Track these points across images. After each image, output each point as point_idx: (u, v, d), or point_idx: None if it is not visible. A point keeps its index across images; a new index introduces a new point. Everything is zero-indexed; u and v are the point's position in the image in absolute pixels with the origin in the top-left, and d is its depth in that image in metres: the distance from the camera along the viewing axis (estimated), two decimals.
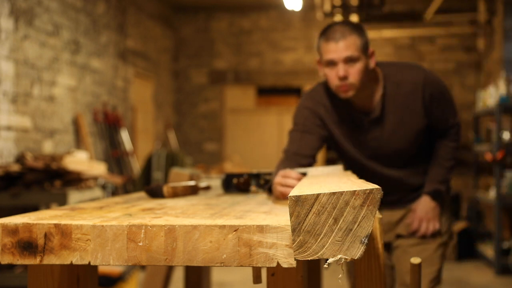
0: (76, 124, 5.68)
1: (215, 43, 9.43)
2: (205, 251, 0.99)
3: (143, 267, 4.46)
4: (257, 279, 1.16)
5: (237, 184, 1.83)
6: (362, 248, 0.89)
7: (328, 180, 1.25)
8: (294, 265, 0.98)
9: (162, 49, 8.85)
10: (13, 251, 1.02)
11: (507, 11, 6.60)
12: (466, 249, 5.89)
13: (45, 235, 1.01)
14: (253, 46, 9.39)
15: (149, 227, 1.00)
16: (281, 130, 9.21)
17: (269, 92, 9.61)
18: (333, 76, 1.94)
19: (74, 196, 3.48)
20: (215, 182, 2.26)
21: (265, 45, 9.38)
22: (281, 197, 1.58)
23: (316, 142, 2.05)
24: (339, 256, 0.89)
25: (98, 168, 4.13)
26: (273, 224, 0.98)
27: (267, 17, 9.36)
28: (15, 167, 3.49)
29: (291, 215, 0.90)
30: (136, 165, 6.86)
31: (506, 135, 5.47)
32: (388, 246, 2.20)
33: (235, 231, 0.98)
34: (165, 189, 1.60)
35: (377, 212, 0.93)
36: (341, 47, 1.89)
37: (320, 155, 8.92)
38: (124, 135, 6.75)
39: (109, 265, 1.02)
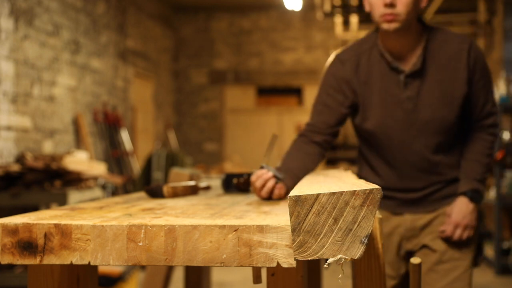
0: (76, 124, 5.68)
1: (215, 43, 9.43)
2: (205, 251, 0.99)
3: (143, 267, 4.47)
4: (257, 279, 1.16)
5: (237, 184, 1.82)
6: (362, 248, 0.89)
7: (328, 180, 1.25)
8: (294, 265, 0.97)
9: (162, 49, 8.85)
10: (13, 251, 1.02)
11: (507, 11, 6.61)
12: None
13: (45, 235, 1.01)
14: (253, 46, 9.39)
15: (149, 227, 1.00)
16: (281, 130, 9.22)
17: (269, 92, 9.61)
18: (378, 2, 1.74)
19: (74, 196, 3.48)
20: (215, 182, 2.26)
21: (265, 45, 9.38)
22: (258, 194, 1.54)
23: (335, 118, 1.87)
24: (339, 256, 0.89)
25: (98, 168, 4.13)
26: (273, 224, 0.98)
27: (267, 17, 9.36)
28: (15, 167, 3.49)
29: (291, 215, 0.90)
30: (136, 165, 6.86)
31: (506, 135, 5.47)
32: (410, 255, 1.90)
33: (235, 231, 0.98)
34: (165, 189, 1.60)
35: (377, 212, 0.93)
36: None
37: None
38: (124, 135, 6.75)
39: (109, 265, 1.02)
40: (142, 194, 1.76)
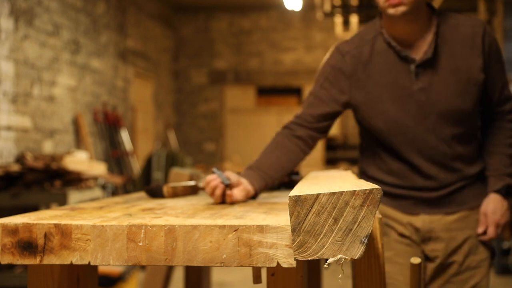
0: (76, 124, 5.68)
1: (215, 43, 9.43)
2: (205, 251, 0.99)
3: (143, 267, 4.47)
4: (257, 279, 1.16)
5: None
6: (362, 248, 0.89)
7: (328, 180, 1.25)
8: (294, 265, 0.97)
9: (162, 49, 8.85)
10: (13, 251, 1.02)
11: (507, 11, 6.61)
12: None
13: (45, 235, 1.01)
14: (253, 46, 9.39)
15: (149, 227, 1.00)
16: None
17: (269, 92, 9.61)
18: None
19: (74, 196, 3.48)
20: None
21: (265, 45, 9.38)
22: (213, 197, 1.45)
23: (325, 112, 1.72)
24: (339, 256, 0.89)
25: (98, 168, 4.13)
26: (273, 224, 0.98)
27: (267, 17, 9.36)
28: (15, 167, 3.49)
29: (291, 215, 0.90)
30: (136, 165, 6.86)
31: None
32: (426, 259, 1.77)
33: (235, 231, 0.98)
34: (165, 189, 1.60)
35: (377, 212, 0.93)
36: None
37: (320, 155, 8.92)
38: (124, 135, 6.75)
39: (109, 265, 1.02)
40: (142, 194, 1.76)
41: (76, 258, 1.01)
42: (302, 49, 9.32)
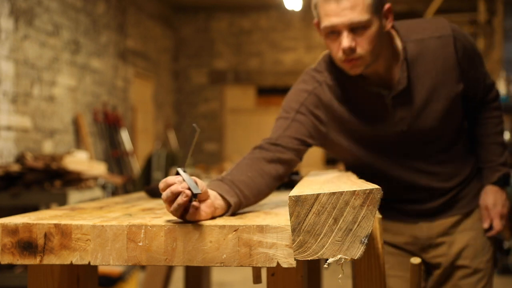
0: (76, 124, 5.68)
1: (215, 43, 9.43)
2: (205, 251, 0.99)
3: (143, 267, 4.46)
4: (257, 279, 1.16)
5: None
6: (362, 248, 0.89)
7: (328, 180, 1.25)
8: (294, 265, 0.98)
9: (162, 49, 8.85)
10: (13, 251, 1.02)
11: (507, 11, 6.61)
12: None
13: (45, 235, 1.01)
14: (253, 46, 9.39)
15: (149, 227, 1.00)
16: None
17: (269, 92, 9.61)
18: (335, 47, 1.46)
19: (74, 196, 3.48)
20: None
21: (265, 45, 9.38)
22: (167, 208, 1.04)
23: (306, 135, 1.52)
24: (339, 256, 0.89)
25: (98, 168, 4.13)
26: (273, 224, 0.98)
27: (267, 17, 9.36)
28: (15, 167, 3.49)
29: (291, 215, 0.90)
30: (136, 165, 6.86)
31: (506, 135, 5.47)
32: (426, 266, 1.71)
33: (235, 231, 0.98)
34: None
35: (377, 212, 0.93)
36: (344, 7, 1.40)
37: (320, 155, 8.92)
38: (124, 135, 6.75)
39: (109, 265, 1.02)
40: (142, 194, 1.76)
41: (76, 258, 1.01)
42: (302, 49, 9.31)
